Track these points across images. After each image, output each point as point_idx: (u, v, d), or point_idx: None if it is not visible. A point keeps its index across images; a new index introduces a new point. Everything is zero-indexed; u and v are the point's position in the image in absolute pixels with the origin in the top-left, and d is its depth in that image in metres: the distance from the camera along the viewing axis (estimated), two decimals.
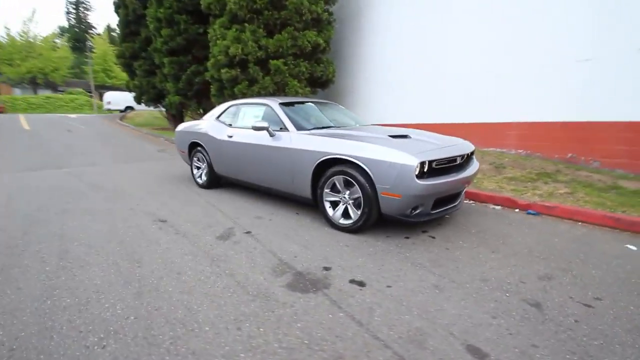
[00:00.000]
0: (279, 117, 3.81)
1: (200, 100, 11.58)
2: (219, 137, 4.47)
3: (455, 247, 2.84)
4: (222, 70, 8.70)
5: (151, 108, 14.56)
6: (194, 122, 5.28)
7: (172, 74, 11.18)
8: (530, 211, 3.78)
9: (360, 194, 2.97)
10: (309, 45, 8.58)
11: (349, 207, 3.14)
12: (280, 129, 3.74)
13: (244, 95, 8.77)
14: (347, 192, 3.11)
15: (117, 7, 13.66)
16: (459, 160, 3.19)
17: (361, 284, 2.25)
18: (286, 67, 8.46)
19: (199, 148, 4.88)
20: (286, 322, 1.84)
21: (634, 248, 2.82)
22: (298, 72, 8.70)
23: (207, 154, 4.71)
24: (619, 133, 4.81)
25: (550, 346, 1.66)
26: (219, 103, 10.36)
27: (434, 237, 3.05)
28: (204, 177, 4.92)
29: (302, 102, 4.37)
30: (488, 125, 6.39)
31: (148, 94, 13.30)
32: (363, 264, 2.52)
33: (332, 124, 4.05)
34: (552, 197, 4.05)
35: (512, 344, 1.67)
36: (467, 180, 3.27)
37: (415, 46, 7.81)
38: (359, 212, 3.02)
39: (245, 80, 8.74)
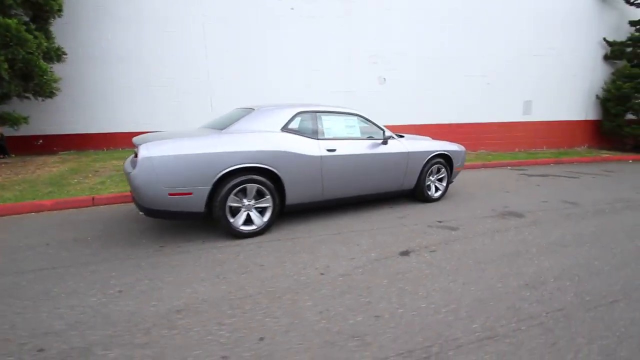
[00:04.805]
0: (377, 126, 4.07)
1: None
2: (311, 153, 3.41)
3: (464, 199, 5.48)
4: None
5: None
6: (207, 140, 2.99)
7: None
8: None
9: (446, 174, 4.71)
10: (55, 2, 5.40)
11: (437, 184, 4.70)
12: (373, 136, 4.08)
13: None
14: (436, 174, 4.66)
15: None
16: None
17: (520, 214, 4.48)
18: (31, 36, 4.89)
19: (253, 177, 3.13)
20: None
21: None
22: (39, 45, 5.25)
23: (281, 181, 3.27)
24: None
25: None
26: None
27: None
28: (258, 219, 3.29)
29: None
30: None
31: None
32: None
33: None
34: None
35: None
36: None
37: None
38: (444, 185, 4.75)
39: None
